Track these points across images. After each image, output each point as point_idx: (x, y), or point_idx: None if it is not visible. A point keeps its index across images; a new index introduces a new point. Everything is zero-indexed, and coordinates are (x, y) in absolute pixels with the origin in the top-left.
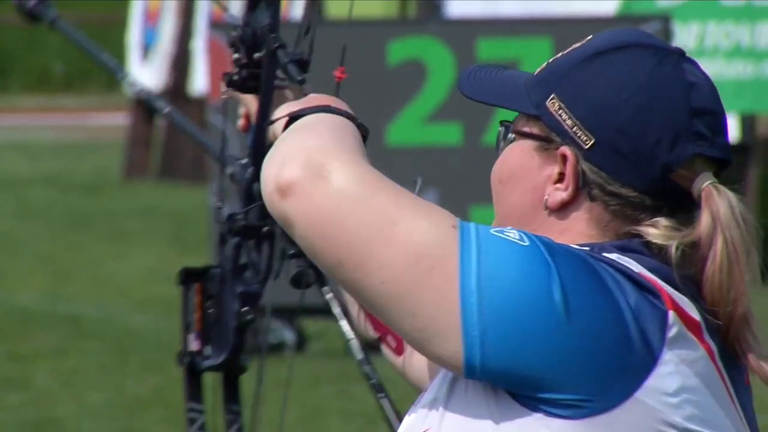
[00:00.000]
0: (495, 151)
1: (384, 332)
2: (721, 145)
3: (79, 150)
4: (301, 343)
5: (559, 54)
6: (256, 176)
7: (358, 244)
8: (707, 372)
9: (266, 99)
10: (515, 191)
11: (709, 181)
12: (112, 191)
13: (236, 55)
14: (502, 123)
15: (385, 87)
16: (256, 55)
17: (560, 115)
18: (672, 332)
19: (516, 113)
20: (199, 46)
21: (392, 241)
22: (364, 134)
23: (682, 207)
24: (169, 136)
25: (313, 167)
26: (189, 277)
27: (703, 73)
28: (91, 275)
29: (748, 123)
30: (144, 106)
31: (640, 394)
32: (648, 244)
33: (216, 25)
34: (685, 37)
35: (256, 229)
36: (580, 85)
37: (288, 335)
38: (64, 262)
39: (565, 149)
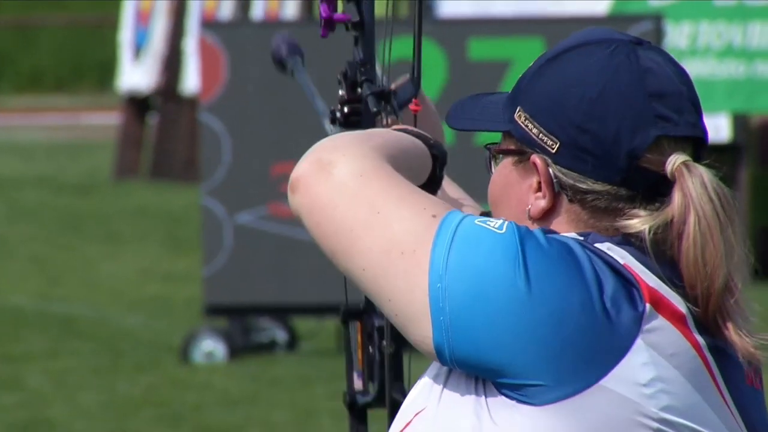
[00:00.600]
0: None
1: None
2: (689, 123)
3: (71, 150)
4: (293, 342)
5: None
6: None
7: (344, 232)
8: (691, 365)
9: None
10: (505, 209)
11: (680, 161)
12: (103, 192)
13: (340, 93)
14: (486, 146)
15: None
16: (358, 90)
17: (527, 126)
18: (649, 324)
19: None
20: (190, 45)
21: (372, 229)
22: (437, 154)
23: (661, 192)
24: (161, 136)
25: (320, 163)
26: (350, 315)
27: (665, 57)
28: (83, 276)
29: (740, 123)
30: (136, 106)
31: (606, 382)
32: (631, 237)
33: (207, 24)
34: (677, 36)
35: None
36: (539, 93)
37: (279, 334)
38: (56, 263)
39: (535, 157)
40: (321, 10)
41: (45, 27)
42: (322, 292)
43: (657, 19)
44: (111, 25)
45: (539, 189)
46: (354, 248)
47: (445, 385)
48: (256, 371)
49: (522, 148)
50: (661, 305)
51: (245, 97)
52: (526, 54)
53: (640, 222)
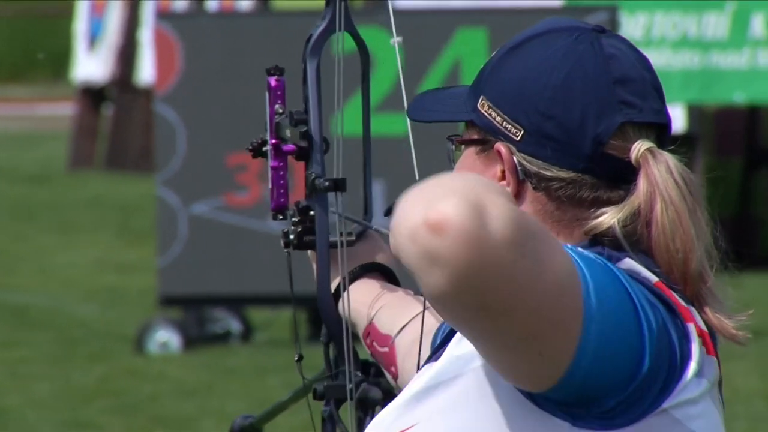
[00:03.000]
0: (443, 143)
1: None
2: (653, 109)
3: (25, 140)
4: (247, 332)
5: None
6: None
7: (518, 289)
8: (715, 378)
9: (323, 257)
10: None
11: (645, 147)
12: (58, 182)
13: (293, 219)
14: (448, 138)
15: (331, 77)
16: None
17: (490, 114)
18: (694, 345)
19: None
20: (145, 36)
21: (543, 279)
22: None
23: (625, 179)
24: (116, 127)
25: (472, 206)
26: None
27: (627, 45)
28: (38, 266)
29: (695, 113)
30: (90, 96)
31: (667, 405)
32: (602, 236)
33: (162, 15)
34: (632, 27)
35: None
36: (502, 81)
37: (234, 325)
38: (10, 253)
39: (499, 145)
40: (269, 141)
41: None
42: (277, 283)
43: (612, 9)
44: (66, 15)
45: (503, 177)
46: (525, 300)
47: (444, 404)
48: (211, 361)
49: (485, 137)
50: (695, 323)
51: (200, 88)
52: (476, 45)
53: (609, 217)
